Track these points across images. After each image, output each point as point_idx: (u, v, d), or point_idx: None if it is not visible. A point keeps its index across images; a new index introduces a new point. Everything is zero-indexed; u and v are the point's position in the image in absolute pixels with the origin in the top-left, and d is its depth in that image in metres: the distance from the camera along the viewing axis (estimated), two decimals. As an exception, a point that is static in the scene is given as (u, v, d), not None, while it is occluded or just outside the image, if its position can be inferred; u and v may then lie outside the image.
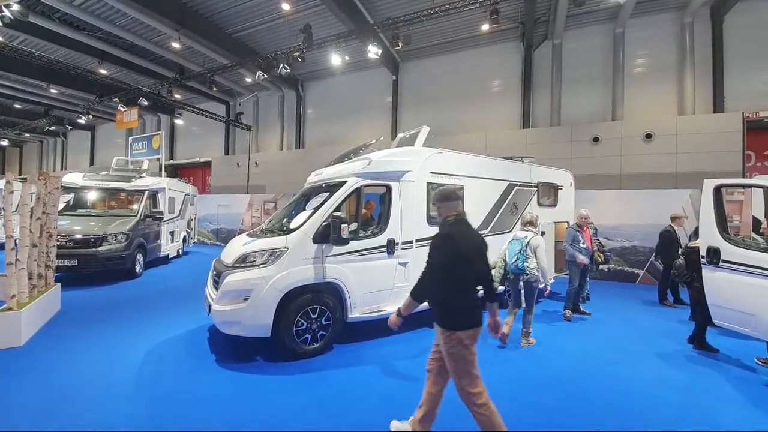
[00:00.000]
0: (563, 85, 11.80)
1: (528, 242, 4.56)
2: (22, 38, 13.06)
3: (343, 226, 4.12)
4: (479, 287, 2.50)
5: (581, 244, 5.71)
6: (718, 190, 4.31)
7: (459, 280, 2.40)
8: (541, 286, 4.61)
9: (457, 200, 2.58)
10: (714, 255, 4.15)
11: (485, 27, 9.94)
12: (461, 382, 2.35)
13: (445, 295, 2.42)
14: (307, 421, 2.90)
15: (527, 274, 4.50)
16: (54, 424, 2.78)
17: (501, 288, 5.07)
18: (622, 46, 11.00)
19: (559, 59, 11.77)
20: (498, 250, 6.01)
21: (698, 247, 4.44)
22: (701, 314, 4.50)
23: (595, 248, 5.96)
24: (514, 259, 4.58)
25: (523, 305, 4.65)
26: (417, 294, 2.55)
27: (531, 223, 4.82)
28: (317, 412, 3.02)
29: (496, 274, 4.79)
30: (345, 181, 4.72)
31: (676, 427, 2.93)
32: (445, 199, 2.58)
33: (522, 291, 4.61)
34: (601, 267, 7.66)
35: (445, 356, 2.40)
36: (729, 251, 4.05)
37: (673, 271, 5.21)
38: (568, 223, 7.01)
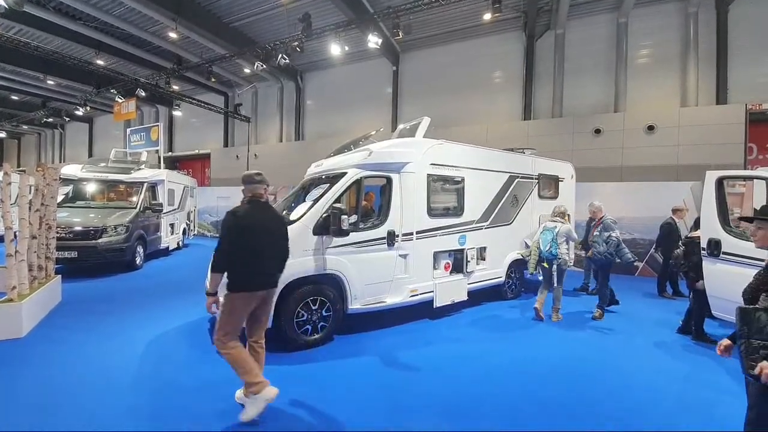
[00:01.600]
0: (565, 76, 11.66)
1: (558, 231, 5.19)
2: (17, 28, 12.88)
3: (343, 217, 4.11)
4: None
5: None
6: (720, 182, 4.30)
7: (241, 251, 2.74)
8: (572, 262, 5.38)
9: (258, 183, 2.90)
10: (715, 247, 4.15)
11: (487, 16, 9.75)
12: (219, 332, 2.74)
13: (230, 261, 2.75)
14: (307, 411, 2.91)
15: (559, 259, 5.16)
16: (56, 417, 2.79)
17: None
18: (626, 36, 10.84)
19: (562, 50, 11.61)
20: (500, 243, 6.11)
21: (697, 237, 4.44)
22: (697, 303, 4.50)
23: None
24: (547, 247, 5.21)
25: (555, 284, 5.31)
26: (215, 265, 2.76)
27: (562, 215, 5.42)
28: (317, 402, 3.03)
29: (531, 260, 5.50)
30: (345, 173, 4.70)
31: (677, 419, 2.94)
32: (246, 182, 2.92)
33: (555, 274, 5.32)
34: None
35: (219, 311, 2.77)
36: (730, 243, 4.05)
37: (671, 260, 5.22)
38: (568, 216, 6.98)
